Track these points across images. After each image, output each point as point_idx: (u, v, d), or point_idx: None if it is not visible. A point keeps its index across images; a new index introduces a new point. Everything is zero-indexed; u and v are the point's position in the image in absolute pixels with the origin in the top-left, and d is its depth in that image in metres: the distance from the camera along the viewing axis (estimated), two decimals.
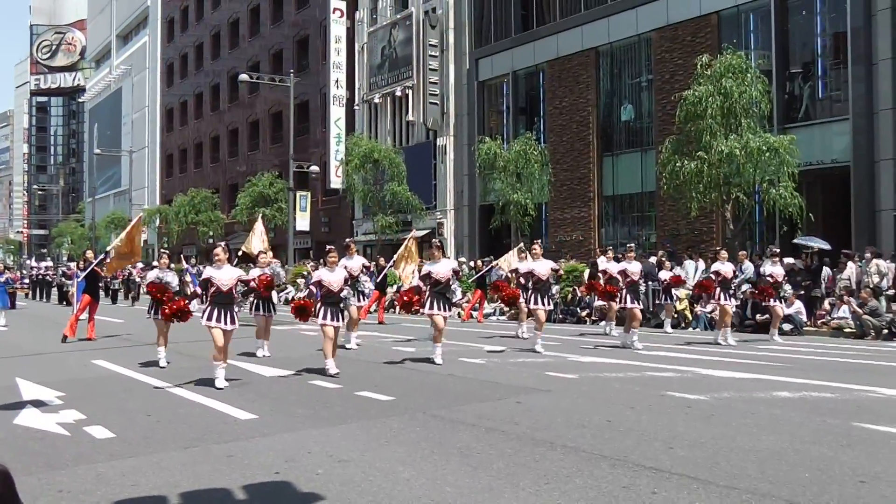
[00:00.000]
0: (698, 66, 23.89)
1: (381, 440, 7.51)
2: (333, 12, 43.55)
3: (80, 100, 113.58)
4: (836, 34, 25.73)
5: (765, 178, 22.83)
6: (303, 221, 41.75)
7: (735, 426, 8.03)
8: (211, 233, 53.29)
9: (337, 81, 43.97)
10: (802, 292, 20.76)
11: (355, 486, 5.99)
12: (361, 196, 39.08)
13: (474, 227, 37.87)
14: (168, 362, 13.29)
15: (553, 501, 5.53)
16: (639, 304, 16.51)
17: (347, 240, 22.42)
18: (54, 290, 42.33)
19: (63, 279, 37.33)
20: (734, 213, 24.41)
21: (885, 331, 18.38)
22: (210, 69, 63.95)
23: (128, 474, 6.43)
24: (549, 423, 8.25)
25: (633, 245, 19.02)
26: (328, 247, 13.01)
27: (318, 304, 12.16)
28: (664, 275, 19.31)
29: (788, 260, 20.22)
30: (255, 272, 13.81)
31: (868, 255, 20.63)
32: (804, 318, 20.14)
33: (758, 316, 20.04)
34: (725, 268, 16.69)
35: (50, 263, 55.68)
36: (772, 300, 17.24)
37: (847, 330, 18.63)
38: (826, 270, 21.03)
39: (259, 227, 18.67)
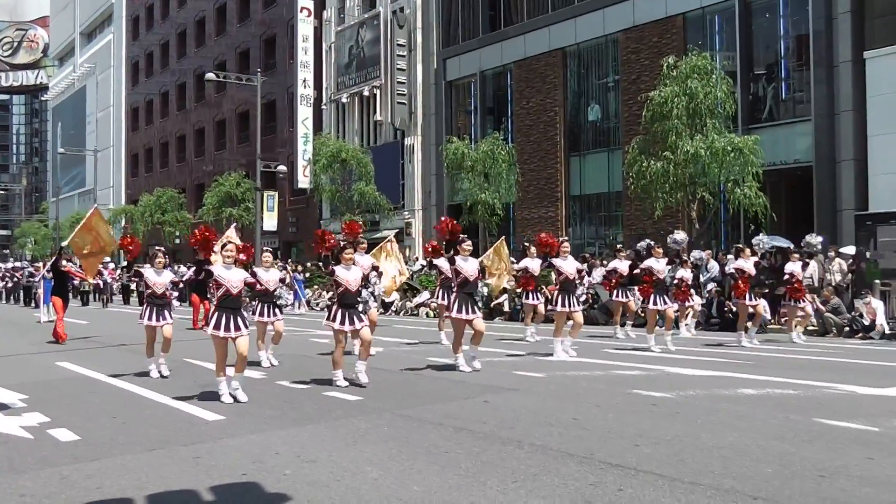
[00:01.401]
0: (664, 67, 24.08)
1: (348, 440, 7.52)
2: (301, 11, 43.42)
3: (42, 98, 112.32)
4: (798, 36, 25.99)
5: (729, 177, 23.03)
6: (270, 221, 41.60)
7: (700, 423, 8.12)
8: (177, 233, 52.88)
9: (304, 81, 43.84)
10: (766, 290, 20.94)
11: (323, 486, 6.00)
12: (329, 196, 39.02)
13: None
14: (160, 374, 11.94)
15: (520, 500, 5.57)
16: (670, 303, 15.56)
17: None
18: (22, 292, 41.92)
19: (30, 279, 36.92)
20: (700, 213, 24.61)
21: (847, 328, 18.61)
22: (176, 68, 63.48)
23: (92, 477, 6.37)
24: (516, 421, 8.29)
25: (621, 245, 18.93)
26: (342, 243, 11.32)
27: (335, 307, 10.78)
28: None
29: (753, 258, 20.36)
30: (260, 272, 12.33)
31: (831, 253, 20.88)
32: (768, 316, 20.33)
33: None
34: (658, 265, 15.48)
35: (18, 264, 55.11)
36: (802, 300, 16.84)
37: (810, 328, 18.83)
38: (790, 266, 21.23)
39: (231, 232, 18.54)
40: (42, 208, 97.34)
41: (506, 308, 25.05)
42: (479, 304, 14.07)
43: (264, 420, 8.62)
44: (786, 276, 16.64)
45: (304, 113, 43.75)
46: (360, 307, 11.10)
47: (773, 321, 20.36)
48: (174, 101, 63.97)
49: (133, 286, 38.03)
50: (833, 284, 19.88)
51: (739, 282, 16.07)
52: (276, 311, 13.14)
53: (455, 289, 12.35)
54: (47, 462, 6.95)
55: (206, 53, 58.01)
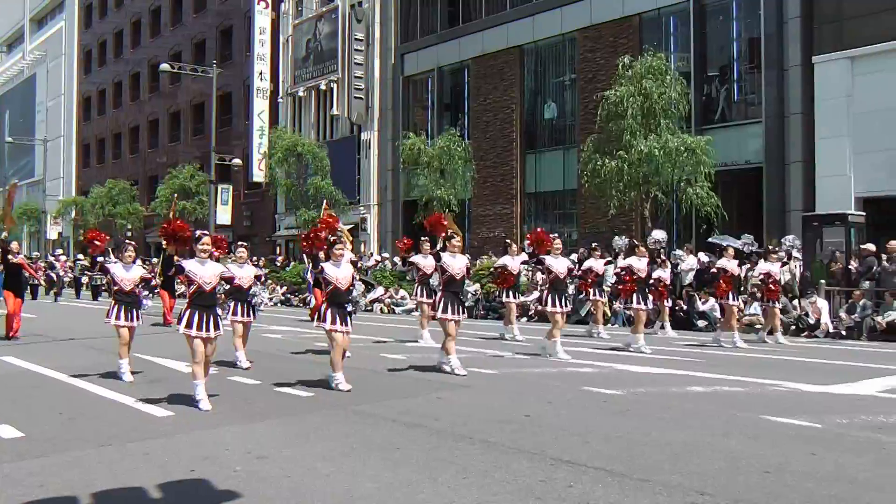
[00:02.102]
0: (620, 67, 24.24)
1: (301, 436, 7.55)
2: (258, 3, 43.15)
3: None
4: (750, 39, 26.29)
5: (682, 177, 23.26)
6: (224, 215, 41.32)
7: (650, 420, 8.23)
8: (129, 225, 52.27)
9: (261, 73, 43.56)
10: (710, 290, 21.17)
11: (274, 482, 5.99)
12: (284, 190, 38.79)
13: (398, 222, 37.85)
14: (132, 380, 10.94)
15: (471, 495, 5.61)
16: (646, 304, 15.20)
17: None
18: None
19: None
20: (653, 212, 24.81)
21: (793, 326, 18.87)
22: (130, 57, 62.63)
23: (36, 474, 6.28)
24: (468, 418, 8.34)
25: (596, 244, 18.90)
26: (332, 238, 10.49)
27: (325, 306, 10.17)
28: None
29: (704, 258, 20.58)
30: (234, 269, 11.54)
31: (781, 253, 21.10)
32: (718, 314, 20.53)
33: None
34: (639, 264, 15.18)
35: None
36: (778, 301, 16.70)
37: (758, 326, 19.04)
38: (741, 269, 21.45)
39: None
40: None
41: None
42: (465, 304, 13.50)
43: (215, 416, 8.58)
44: (761, 276, 16.49)
45: (260, 106, 43.48)
46: (350, 307, 10.48)
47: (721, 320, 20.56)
48: (128, 91, 63.11)
49: (86, 280, 37.74)
50: (782, 284, 20.14)
51: (721, 281, 15.84)
52: (251, 310, 12.38)
53: (441, 287, 11.88)
54: None
55: (162, 44, 57.35)
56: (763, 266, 16.57)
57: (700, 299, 20.41)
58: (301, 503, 5.52)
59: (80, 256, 41.72)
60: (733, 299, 16.05)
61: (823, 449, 6.96)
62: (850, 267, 20.01)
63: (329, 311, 10.04)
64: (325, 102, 42.13)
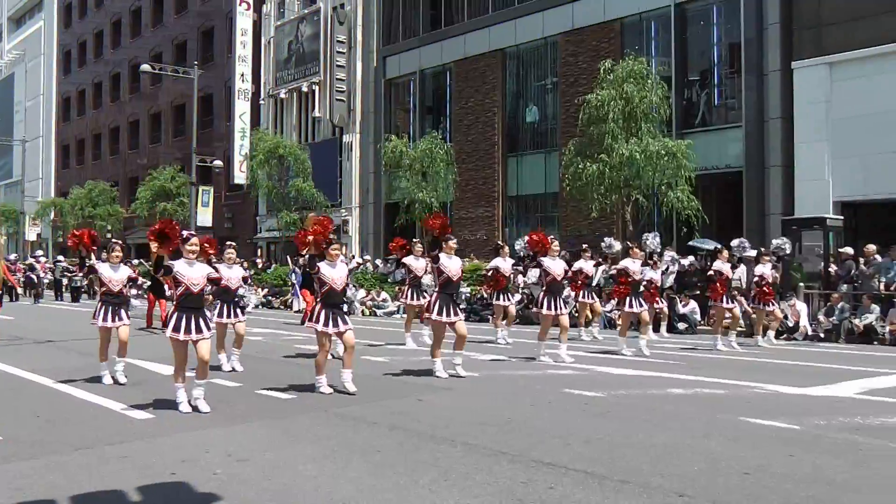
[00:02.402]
0: (601, 71, 24.32)
1: (282, 439, 7.54)
2: (240, 4, 43.01)
3: None
4: (731, 44, 26.46)
5: (663, 181, 23.35)
6: (204, 217, 41.13)
7: (630, 422, 8.26)
8: (109, 227, 51.98)
9: (242, 75, 43.42)
10: (697, 292, 21.28)
11: (254, 485, 5.98)
12: (266, 192, 38.80)
13: (379, 224, 37.83)
14: (116, 381, 10.82)
15: (452, 498, 5.63)
16: (640, 306, 14.74)
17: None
18: None
19: None
20: (634, 215, 24.92)
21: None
22: (110, 58, 62.33)
23: (14, 478, 6.21)
24: (450, 420, 8.36)
25: (586, 245, 18.82)
26: (329, 237, 10.16)
27: (318, 307, 9.93)
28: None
29: (685, 261, 20.66)
30: (222, 269, 11.11)
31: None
32: (698, 317, 20.66)
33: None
34: (634, 266, 14.81)
35: None
36: (771, 303, 16.56)
37: (738, 329, 19.13)
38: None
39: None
40: None
41: None
42: (462, 306, 13.16)
43: (195, 419, 8.54)
44: (755, 279, 16.50)
45: (242, 108, 43.34)
46: (346, 307, 10.32)
47: (702, 322, 20.67)
48: (108, 91, 62.81)
49: (66, 281, 37.45)
50: (743, 287, 20.25)
51: (717, 284, 15.80)
52: (238, 311, 12.19)
53: (437, 289, 11.56)
54: None
55: (142, 44, 57.11)
56: (757, 269, 16.56)
57: (681, 302, 20.50)
58: None
59: (61, 258, 41.44)
60: (727, 302, 15.94)
61: (802, 450, 7.03)
62: (829, 270, 20.17)
63: (322, 311, 9.83)
64: (307, 104, 42.04)
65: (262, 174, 37.83)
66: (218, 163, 41.74)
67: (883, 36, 22.35)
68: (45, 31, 72.28)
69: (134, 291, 11.37)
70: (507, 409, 9.00)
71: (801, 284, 19.31)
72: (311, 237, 9.92)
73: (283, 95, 43.38)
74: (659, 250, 16.53)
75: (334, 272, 9.95)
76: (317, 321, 9.80)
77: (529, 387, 10.69)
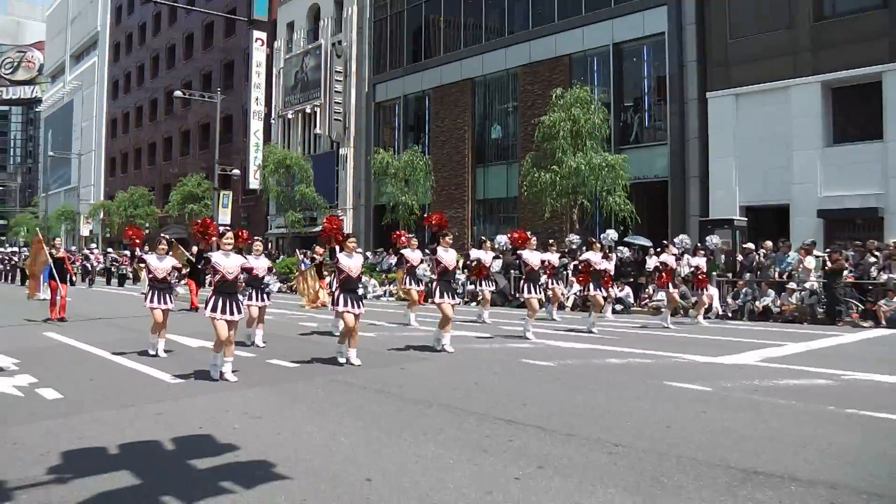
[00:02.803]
0: (553, 97, 24.34)
1: (288, 401, 7.50)
2: (255, 41, 42.71)
3: (36, 109, 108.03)
4: (658, 77, 26.46)
5: (604, 188, 23.38)
6: (224, 216, 40.76)
7: (576, 387, 8.27)
8: (147, 224, 51.80)
9: (257, 99, 43.08)
10: (631, 279, 21.35)
11: (266, 438, 5.98)
12: (275, 196, 38.65)
13: (369, 223, 37.75)
14: (166, 352, 10.79)
15: (429, 449, 5.63)
16: (602, 291, 14.61)
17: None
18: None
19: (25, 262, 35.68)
20: (580, 216, 24.96)
21: (691, 309, 19.01)
22: (150, 86, 61.90)
23: (74, 429, 6.28)
24: (427, 386, 8.36)
25: (552, 241, 18.55)
26: (346, 231, 10.03)
27: (337, 291, 9.87)
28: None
29: (621, 254, 20.71)
30: (250, 259, 10.61)
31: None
32: (632, 300, 20.72)
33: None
34: (595, 258, 14.60)
35: (16, 249, 53.27)
36: (705, 289, 16.54)
37: (664, 309, 19.19)
38: (649, 262, 21.60)
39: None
40: (34, 202, 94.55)
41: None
42: (457, 291, 12.87)
43: (217, 383, 8.52)
44: (691, 269, 16.40)
45: (256, 126, 43.01)
46: (361, 291, 10.08)
47: (635, 304, 20.72)
48: (147, 113, 62.41)
49: (114, 269, 37.33)
50: (683, 275, 20.32)
51: (663, 273, 15.65)
52: (264, 296, 11.82)
53: (437, 277, 11.46)
54: (35, 416, 6.83)
55: (175, 74, 56.68)
56: (693, 260, 16.43)
57: (618, 287, 20.53)
58: (288, 455, 5.48)
59: (110, 250, 41.14)
60: (672, 287, 15.83)
61: (713, 408, 7.06)
62: (735, 261, 20.30)
63: (342, 295, 9.74)
64: (310, 123, 41.88)
65: (272, 181, 37.72)
66: (236, 171, 41.54)
67: (776, 73, 22.58)
68: (98, 65, 71.83)
69: (177, 278, 11.15)
70: (474, 376, 8.98)
71: (714, 273, 19.41)
72: (325, 231, 9.82)
73: (290, 116, 43.19)
74: (613, 243, 16.68)
75: (351, 262, 9.83)
76: (337, 304, 9.80)
77: (494, 358, 10.67)
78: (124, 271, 36.99)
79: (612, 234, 16.94)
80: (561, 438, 5.91)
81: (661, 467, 5.12)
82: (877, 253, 17.83)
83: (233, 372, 8.77)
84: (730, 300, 18.97)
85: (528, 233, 14.01)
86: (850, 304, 17.03)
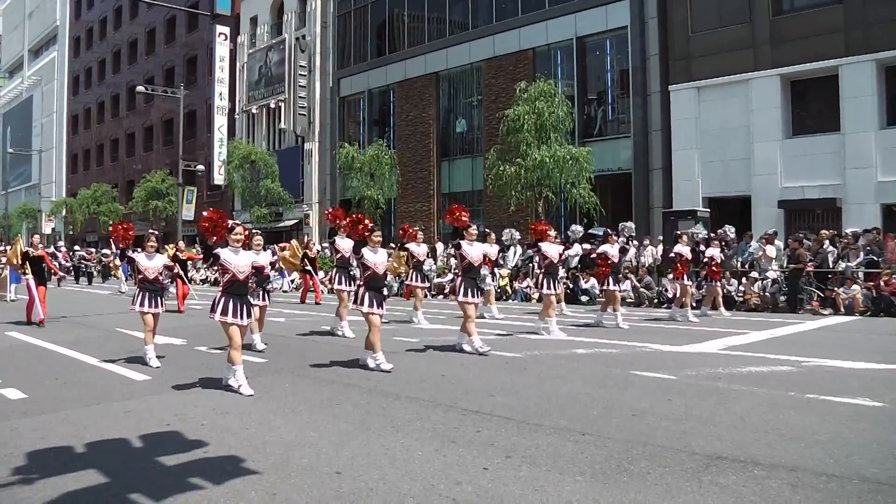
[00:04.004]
0: (517, 91, 24.41)
1: (256, 396, 7.43)
2: (218, 36, 42.27)
3: None
4: (621, 71, 26.67)
5: (568, 180, 23.53)
6: (189, 212, 40.39)
7: (542, 377, 8.31)
8: (110, 222, 51.25)
9: (220, 94, 42.69)
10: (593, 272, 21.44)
11: (234, 433, 5.95)
12: (240, 191, 38.52)
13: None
14: (159, 365, 9.44)
15: (397, 441, 5.63)
16: (617, 286, 13.87)
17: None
18: None
19: None
20: (545, 208, 25.05)
21: (655, 300, 19.25)
22: (111, 81, 61.03)
23: (38, 429, 6.20)
24: (395, 378, 8.33)
25: (489, 230, 18.25)
26: (371, 224, 9.19)
27: (361, 289, 9.00)
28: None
29: (586, 245, 20.79)
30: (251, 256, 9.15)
31: (646, 241, 21.56)
32: (597, 290, 20.80)
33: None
34: (612, 250, 13.96)
35: None
36: (718, 280, 15.99)
37: (629, 300, 19.37)
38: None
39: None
40: None
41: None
42: (483, 289, 11.69)
43: (185, 380, 8.43)
44: (706, 260, 15.63)
45: (220, 121, 42.62)
46: (385, 290, 9.35)
47: (600, 295, 20.79)
48: (109, 109, 61.54)
49: (82, 267, 36.67)
50: (646, 266, 20.53)
51: (678, 264, 15.09)
52: (266, 295, 11.24)
53: (460, 273, 10.45)
54: None
55: (138, 69, 55.93)
56: (708, 251, 15.72)
57: (583, 279, 20.66)
58: (257, 449, 5.47)
59: (77, 247, 40.55)
60: (687, 279, 15.17)
61: (677, 395, 7.14)
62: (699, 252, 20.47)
63: (366, 294, 8.91)
64: (275, 118, 41.64)
65: (237, 176, 37.62)
66: (200, 167, 41.14)
67: (736, 67, 22.91)
68: (58, 60, 70.69)
69: (168, 279, 10.08)
70: (442, 368, 8.98)
71: (678, 263, 19.53)
72: (358, 220, 8.99)
73: (254, 111, 42.90)
74: (633, 234, 15.65)
75: (376, 257, 9.06)
76: (362, 303, 8.90)
77: (460, 352, 10.66)
78: (91, 269, 36.47)
79: (577, 228, 16.82)
80: (529, 428, 5.94)
81: (628, 454, 5.18)
82: (835, 243, 18.15)
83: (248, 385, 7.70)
84: (694, 290, 19.14)
85: (549, 225, 13.06)
86: (811, 292, 17.31)
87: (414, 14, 34.56)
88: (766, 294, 17.86)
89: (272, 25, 42.58)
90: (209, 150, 43.53)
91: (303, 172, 39.56)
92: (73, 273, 37.80)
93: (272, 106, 41.19)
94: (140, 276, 9.67)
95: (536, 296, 21.22)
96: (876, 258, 17.33)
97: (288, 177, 37.98)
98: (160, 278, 9.81)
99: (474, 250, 10.42)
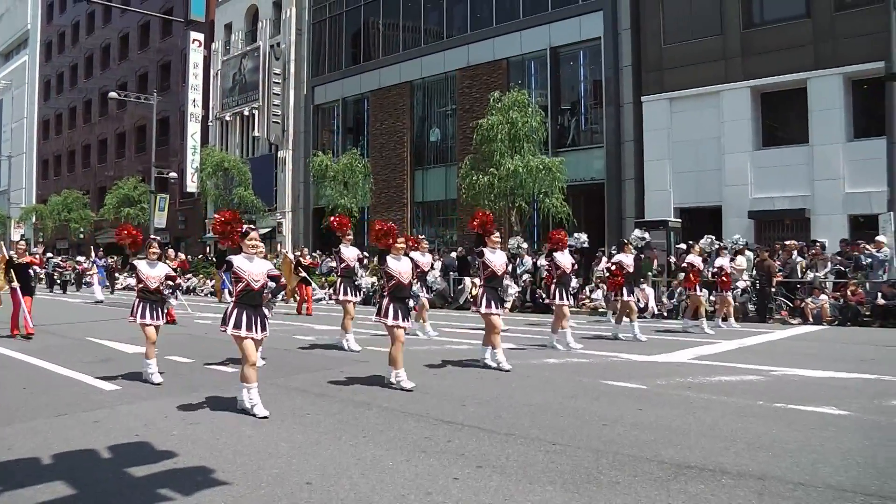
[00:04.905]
0: (491, 100, 24.50)
1: (226, 406, 7.35)
2: (193, 42, 42.14)
3: None
4: (594, 81, 26.88)
5: (541, 190, 23.62)
6: (161, 220, 40.10)
7: (514, 387, 8.31)
8: (81, 229, 50.79)
9: (194, 101, 42.52)
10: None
11: (205, 443, 5.90)
12: (213, 199, 38.29)
13: (308, 226, 37.48)
14: (161, 381, 8.73)
15: (368, 451, 5.61)
16: (631, 295, 13.36)
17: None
18: None
19: None
20: (518, 218, 25.14)
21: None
22: (83, 86, 60.43)
23: (4, 439, 6.08)
24: (367, 388, 8.31)
25: (423, 237, 18.15)
26: (395, 230, 8.53)
27: (386, 301, 8.34)
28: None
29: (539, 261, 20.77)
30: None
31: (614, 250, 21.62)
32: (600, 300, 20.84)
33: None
34: (628, 260, 13.56)
35: None
36: (728, 290, 15.47)
37: (601, 309, 19.44)
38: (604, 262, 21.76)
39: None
40: None
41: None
42: (506, 299, 10.79)
43: (155, 389, 8.35)
44: (715, 269, 15.29)
45: (193, 128, 42.47)
46: (411, 302, 8.65)
47: (573, 305, 20.83)
48: (81, 115, 60.91)
49: (56, 275, 35.91)
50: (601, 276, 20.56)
51: (690, 274, 14.72)
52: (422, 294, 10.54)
53: (482, 283, 9.78)
54: None
55: (110, 75, 55.47)
56: (717, 261, 15.42)
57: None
58: (227, 459, 5.42)
59: (50, 255, 40.03)
60: (699, 290, 14.82)
61: (648, 405, 7.18)
62: (670, 262, 20.61)
63: (391, 305, 8.26)
64: (248, 126, 41.46)
65: (210, 184, 37.40)
66: (173, 174, 40.90)
67: (708, 78, 23.18)
68: (29, 64, 69.91)
69: (169, 291, 9.21)
70: (414, 377, 8.88)
71: (650, 273, 19.72)
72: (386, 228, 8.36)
73: (228, 118, 42.68)
74: (648, 240, 15.26)
75: (400, 265, 8.44)
76: (386, 315, 8.26)
77: (433, 359, 10.62)
78: (67, 277, 35.93)
79: (581, 237, 16.36)
80: (500, 438, 5.94)
81: (598, 464, 5.20)
82: (804, 253, 18.38)
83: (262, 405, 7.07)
84: (665, 300, 19.29)
85: (564, 234, 12.26)
86: (780, 302, 17.50)
87: (389, 23, 34.61)
88: (736, 304, 18.02)
89: (247, 32, 42.44)
90: (182, 157, 43.31)
91: (276, 180, 39.42)
92: (45, 281, 37.25)
93: (246, 113, 41.04)
94: (140, 286, 8.96)
95: (509, 305, 21.31)
96: (843, 269, 17.59)
97: (261, 185, 37.85)
98: (161, 288, 9.04)
99: (497, 258, 9.80)
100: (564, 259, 11.90)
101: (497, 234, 9.91)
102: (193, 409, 7.28)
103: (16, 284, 13.54)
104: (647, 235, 15.07)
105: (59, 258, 39.65)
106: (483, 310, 9.59)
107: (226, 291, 26.31)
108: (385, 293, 8.40)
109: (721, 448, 5.57)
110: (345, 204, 30.41)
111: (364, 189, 31.38)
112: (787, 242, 18.98)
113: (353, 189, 30.85)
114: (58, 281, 35.88)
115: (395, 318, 8.25)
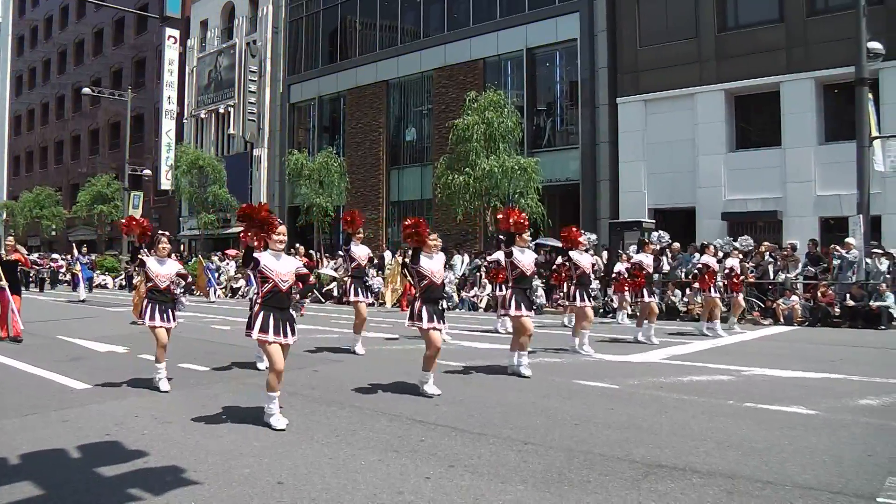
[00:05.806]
0: (467, 100, 24.52)
1: (199, 405, 7.31)
2: (168, 39, 41.88)
3: None
4: (570, 82, 27.00)
5: (516, 190, 23.68)
6: None
7: (487, 386, 8.34)
8: (54, 226, 50.22)
9: (169, 98, 42.25)
10: (543, 281, 21.54)
11: (176, 443, 5.85)
12: (188, 197, 37.98)
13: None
14: (168, 389, 8.14)
15: (341, 450, 5.60)
16: (655, 297, 13.11)
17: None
18: None
19: None
20: (493, 218, 25.17)
21: (601, 310, 19.43)
22: (56, 82, 59.80)
23: None
24: (340, 387, 8.28)
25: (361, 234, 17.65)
26: (426, 229, 7.88)
27: (418, 303, 7.77)
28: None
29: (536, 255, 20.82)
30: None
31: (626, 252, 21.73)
32: (543, 300, 20.93)
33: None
34: (648, 260, 13.21)
35: None
36: (739, 292, 14.77)
37: (717, 317, 19.16)
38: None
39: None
40: None
41: (335, 293, 24.56)
42: (534, 301, 9.91)
43: (127, 388, 8.27)
44: (726, 270, 14.59)
45: (168, 125, 42.21)
46: (444, 304, 8.18)
47: (547, 305, 20.93)
48: (53, 110, 60.31)
49: (32, 273, 35.21)
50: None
51: (706, 276, 14.07)
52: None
53: (511, 284, 9.21)
54: None
55: (84, 71, 54.91)
56: (728, 262, 14.78)
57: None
58: (199, 459, 5.38)
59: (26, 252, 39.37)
60: (714, 292, 14.11)
61: (620, 404, 7.22)
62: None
63: (423, 307, 7.72)
64: (224, 123, 41.25)
65: (184, 181, 37.06)
66: (147, 172, 40.67)
67: (682, 81, 23.37)
68: (1, 58, 69.03)
69: (180, 290, 8.67)
70: (386, 377, 8.90)
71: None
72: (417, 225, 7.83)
73: (203, 115, 42.43)
74: (667, 241, 14.75)
75: (433, 263, 7.85)
76: (420, 319, 7.71)
77: (406, 359, 10.52)
78: (45, 275, 35.40)
79: (592, 237, 16.08)
80: (472, 437, 5.95)
81: (570, 463, 5.22)
82: (775, 255, 18.57)
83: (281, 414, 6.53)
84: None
85: (582, 232, 11.84)
86: (752, 302, 17.67)
87: (366, 21, 34.56)
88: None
89: (223, 30, 42.20)
90: (156, 154, 43.02)
91: (251, 179, 39.24)
92: (22, 279, 36.58)
93: (221, 111, 40.82)
94: (150, 285, 8.34)
95: (483, 304, 21.37)
96: (813, 269, 17.80)
97: (236, 183, 37.64)
98: (172, 287, 8.44)
99: (526, 258, 9.21)
100: (583, 258, 11.48)
101: (527, 233, 9.39)
102: (165, 408, 7.22)
103: (4, 284, 12.76)
104: (666, 235, 14.75)
105: (37, 255, 39.03)
106: (512, 312, 9.11)
107: (210, 290, 26.21)
108: (417, 295, 7.86)
109: (691, 447, 5.61)
110: (320, 203, 30.35)
111: (339, 188, 31.28)
112: (764, 244, 19.17)
113: (328, 188, 30.76)
114: (33, 280, 35.36)
115: (431, 320, 7.71)
